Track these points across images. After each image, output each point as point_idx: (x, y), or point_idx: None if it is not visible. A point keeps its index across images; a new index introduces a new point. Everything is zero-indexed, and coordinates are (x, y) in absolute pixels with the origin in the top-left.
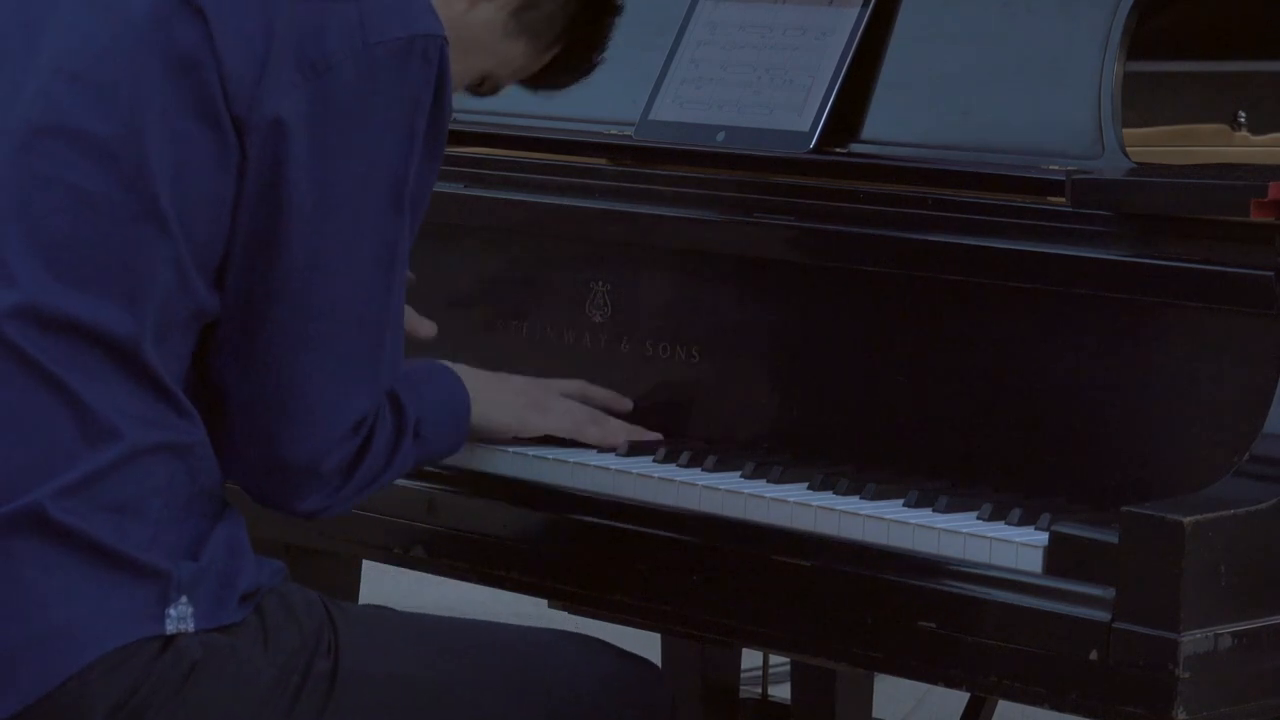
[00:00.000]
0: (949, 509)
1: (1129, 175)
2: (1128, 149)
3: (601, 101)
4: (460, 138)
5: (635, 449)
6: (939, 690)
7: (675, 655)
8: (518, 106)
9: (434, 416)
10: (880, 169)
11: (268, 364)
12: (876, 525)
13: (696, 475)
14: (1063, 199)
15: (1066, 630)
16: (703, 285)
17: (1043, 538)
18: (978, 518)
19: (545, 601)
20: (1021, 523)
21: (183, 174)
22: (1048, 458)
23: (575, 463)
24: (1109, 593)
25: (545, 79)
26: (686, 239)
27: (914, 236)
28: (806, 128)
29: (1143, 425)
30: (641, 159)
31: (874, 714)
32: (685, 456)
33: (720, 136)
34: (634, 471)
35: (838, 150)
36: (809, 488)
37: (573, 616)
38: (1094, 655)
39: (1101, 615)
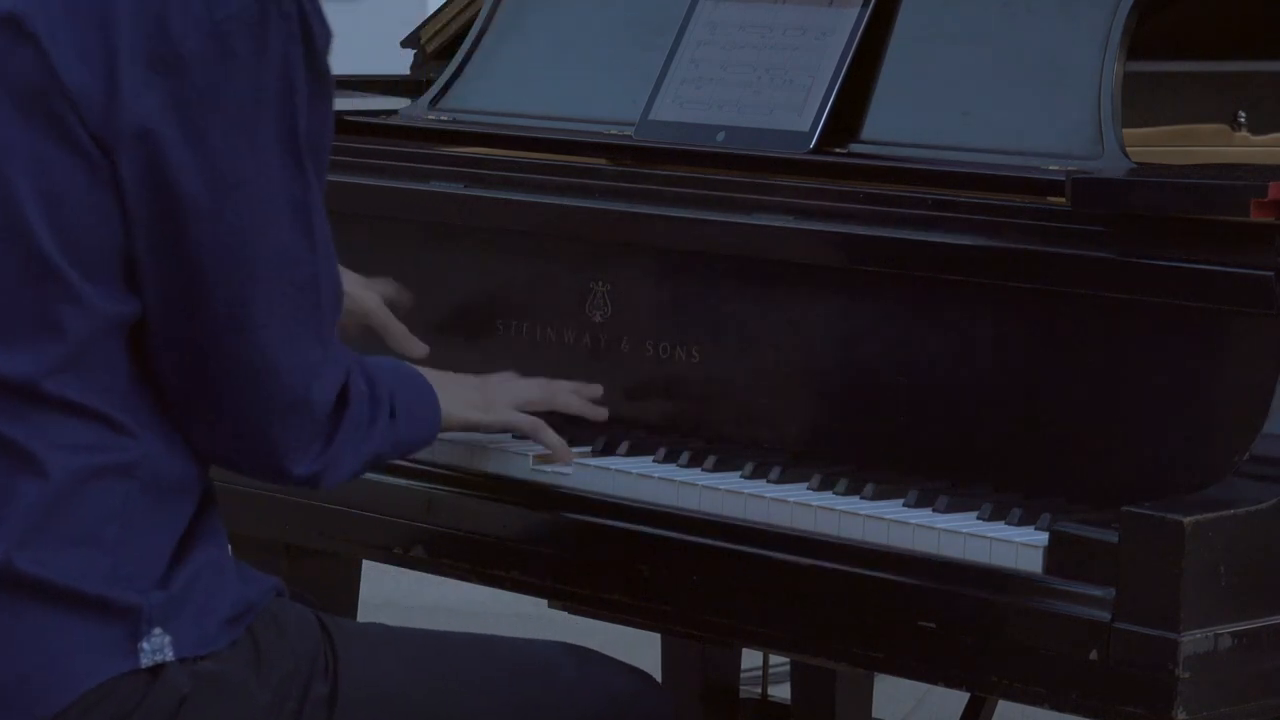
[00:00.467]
0: (949, 509)
1: (1129, 175)
2: (1128, 149)
3: (601, 101)
4: (460, 138)
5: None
6: (939, 690)
7: (675, 655)
8: (518, 106)
9: (406, 397)
10: (880, 169)
11: (213, 349)
12: (876, 525)
13: (696, 475)
14: (1063, 199)
15: (1066, 630)
16: (703, 285)
17: (1043, 538)
18: (978, 518)
19: (545, 601)
20: (1021, 523)
21: (58, 204)
22: (1048, 458)
23: (575, 463)
24: (1109, 593)
25: (545, 79)
26: (686, 239)
27: (914, 236)
28: (806, 128)
29: (1143, 425)
30: (641, 159)
31: (874, 714)
32: (685, 456)
33: (720, 136)
34: (634, 472)
35: (838, 150)
36: (809, 488)
37: (573, 616)
38: (1094, 655)
39: (1101, 615)
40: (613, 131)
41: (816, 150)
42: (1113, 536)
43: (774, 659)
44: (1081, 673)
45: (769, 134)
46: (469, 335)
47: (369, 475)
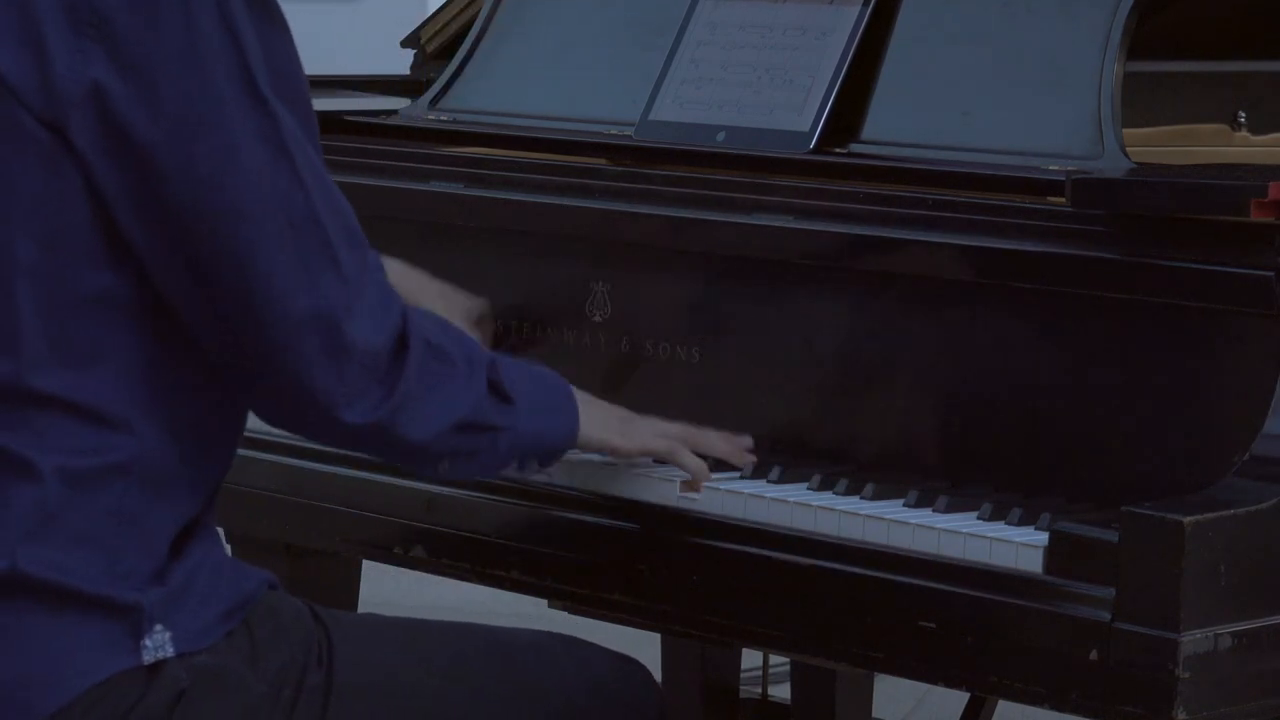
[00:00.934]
0: (949, 509)
1: (1129, 175)
2: (1128, 149)
3: (601, 101)
4: (460, 138)
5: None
6: (939, 690)
7: (675, 655)
8: (518, 106)
9: (518, 376)
10: (880, 169)
11: (227, 307)
12: (876, 525)
13: None
14: (1063, 199)
15: (1066, 630)
16: (703, 285)
17: (1043, 538)
18: (978, 518)
19: (545, 601)
20: (1021, 523)
21: (24, 202)
22: (1048, 458)
23: (575, 462)
24: (1109, 593)
25: (545, 79)
26: (686, 239)
27: (914, 236)
28: (806, 128)
29: (1143, 425)
30: (641, 159)
31: (874, 714)
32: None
33: (720, 136)
34: (634, 472)
35: (838, 150)
36: (809, 488)
37: (573, 616)
38: (1094, 655)
39: (1101, 615)
40: (613, 131)
41: (816, 150)
42: (1113, 536)
43: (774, 659)
44: (1081, 673)
45: (769, 134)
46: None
47: (368, 475)
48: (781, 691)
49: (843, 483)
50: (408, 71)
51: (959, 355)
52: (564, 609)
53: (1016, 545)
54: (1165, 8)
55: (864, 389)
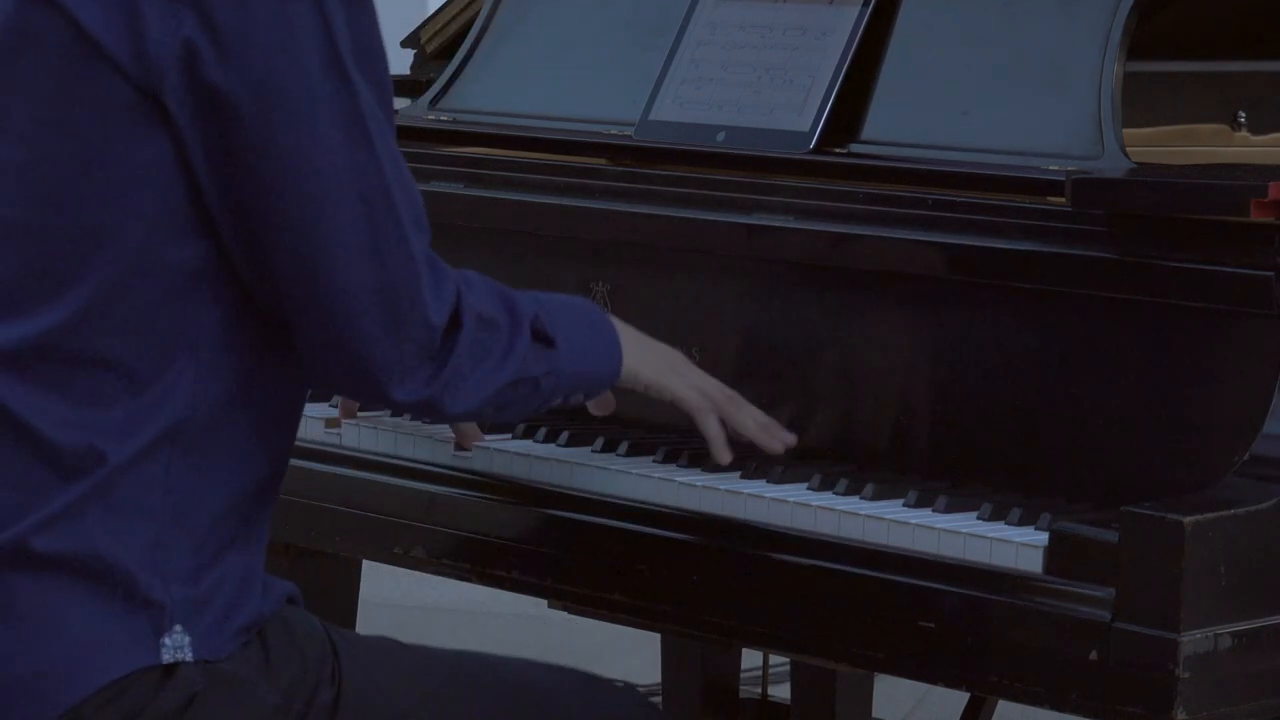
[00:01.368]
0: (949, 509)
1: (1129, 175)
2: (1128, 149)
3: (601, 101)
4: (460, 138)
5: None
6: (939, 690)
7: (675, 655)
8: (518, 106)
9: (561, 318)
10: (880, 169)
11: (296, 276)
12: (876, 525)
13: (696, 476)
14: (1063, 199)
15: (1066, 630)
16: (703, 285)
17: (1043, 538)
18: (978, 518)
19: (545, 601)
20: (1021, 523)
21: (111, 166)
22: (1048, 458)
23: (576, 463)
24: (1109, 593)
25: (545, 79)
26: (686, 239)
27: (914, 236)
28: (806, 128)
29: (1143, 425)
30: (641, 159)
31: (874, 714)
32: (686, 456)
33: (720, 136)
34: (634, 472)
35: (838, 150)
36: (809, 488)
37: (573, 616)
38: (1094, 655)
39: (1101, 615)
40: (613, 131)
41: (816, 150)
42: (1113, 536)
43: (774, 659)
44: (1081, 673)
45: (769, 134)
46: None
47: (368, 475)
48: (781, 691)
49: (843, 483)
50: (407, 71)
51: (959, 355)
52: (564, 609)
53: (1016, 545)
54: (1165, 8)
55: (864, 389)
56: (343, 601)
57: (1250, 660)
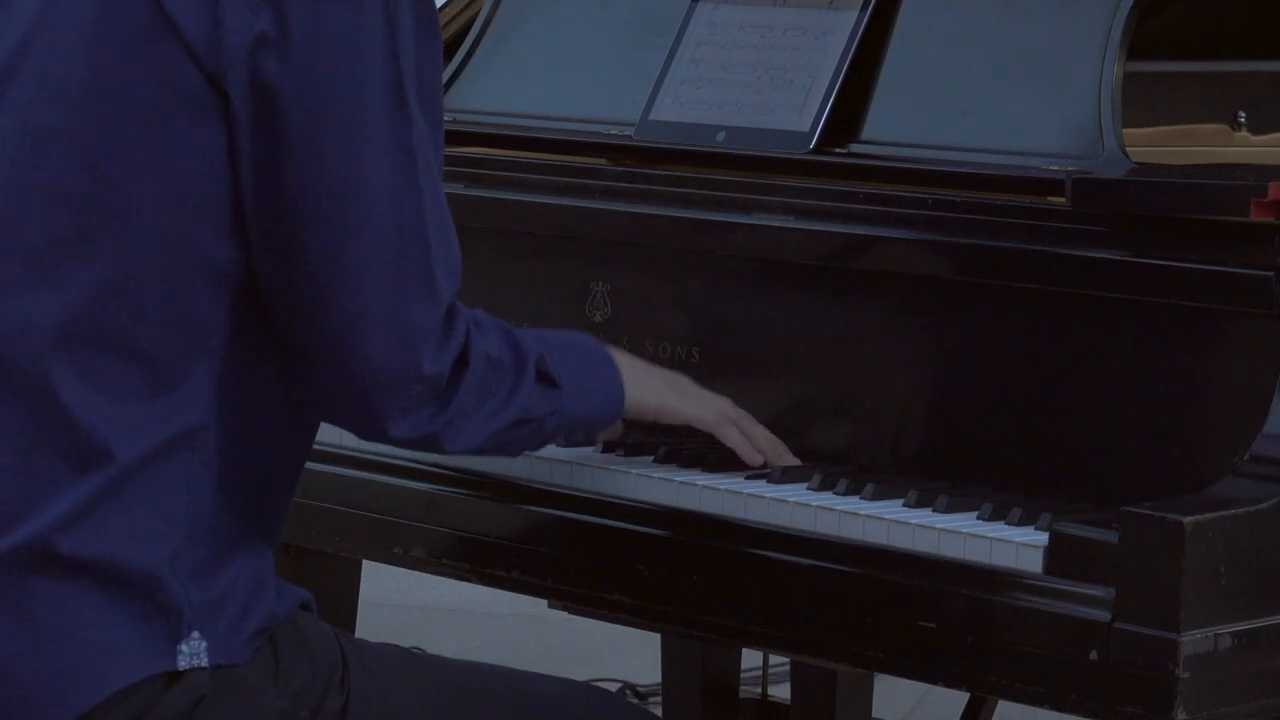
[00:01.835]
0: (949, 509)
1: (1129, 175)
2: (1128, 149)
3: (601, 101)
4: (460, 138)
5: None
6: (939, 690)
7: (675, 655)
8: (518, 106)
9: (564, 359)
10: (880, 169)
11: (315, 296)
12: (876, 525)
13: (697, 476)
14: (1063, 199)
15: (1066, 630)
16: (703, 285)
17: (1043, 538)
18: (978, 518)
19: (545, 601)
20: (1021, 523)
21: (166, 147)
22: (1048, 458)
23: (576, 463)
24: (1109, 593)
25: (545, 79)
26: (686, 239)
27: (914, 236)
28: (806, 128)
29: (1143, 425)
30: (641, 159)
31: (874, 714)
32: (686, 456)
33: (720, 136)
34: (634, 472)
35: (838, 150)
36: (809, 488)
37: (573, 616)
38: (1094, 655)
39: (1101, 615)
40: (613, 131)
41: (816, 150)
42: (1113, 536)
43: (774, 659)
44: (1081, 673)
45: (769, 134)
46: None
47: (368, 475)
48: (781, 691)
49: (843, 483)
50: None
51: (959, 355)
52: (564, 609)
53: (1016, 545)
54: (1165, 8)
55: (864, 389)
56: (343, 602)
57: (1250, 660)
